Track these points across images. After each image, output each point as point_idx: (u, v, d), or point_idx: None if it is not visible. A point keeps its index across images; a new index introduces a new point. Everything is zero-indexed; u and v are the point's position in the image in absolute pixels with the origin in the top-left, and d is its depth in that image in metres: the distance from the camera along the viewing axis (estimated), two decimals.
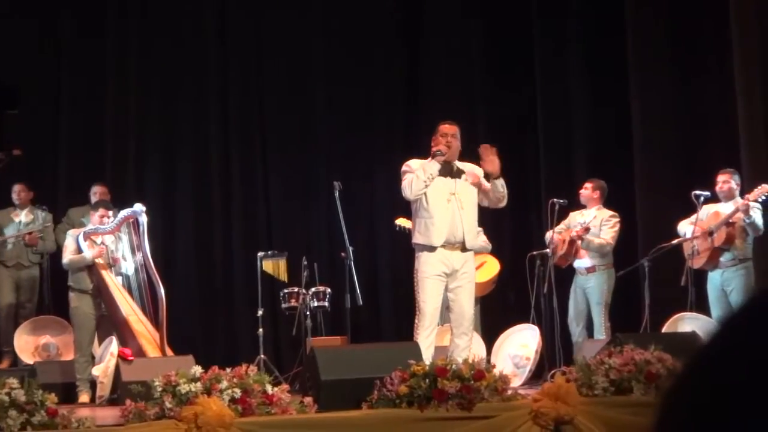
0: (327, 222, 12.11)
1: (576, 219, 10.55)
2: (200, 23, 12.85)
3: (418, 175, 8.09)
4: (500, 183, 8.26)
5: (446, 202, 8.15)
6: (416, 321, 8.14)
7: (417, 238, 8.22)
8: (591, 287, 10.41)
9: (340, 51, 12.95)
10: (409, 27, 13.11)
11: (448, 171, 8.23)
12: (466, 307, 8.18)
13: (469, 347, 8.12)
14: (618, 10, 11.81)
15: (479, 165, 8.32)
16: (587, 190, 10.60)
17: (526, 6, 12.68)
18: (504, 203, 8.52)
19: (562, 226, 10.43)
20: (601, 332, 10.23)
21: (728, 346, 0.99)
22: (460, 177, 8.24)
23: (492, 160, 8.18)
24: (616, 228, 10.43)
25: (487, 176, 8.30)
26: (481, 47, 12.96)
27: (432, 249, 8.12)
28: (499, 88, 12.91)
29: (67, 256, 9.80)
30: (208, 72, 12.77)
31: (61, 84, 12.44)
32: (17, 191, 11.14)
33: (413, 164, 8.28)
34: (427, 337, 8.02)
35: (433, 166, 8.13)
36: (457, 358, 7.26)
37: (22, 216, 11.11)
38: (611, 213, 10.50)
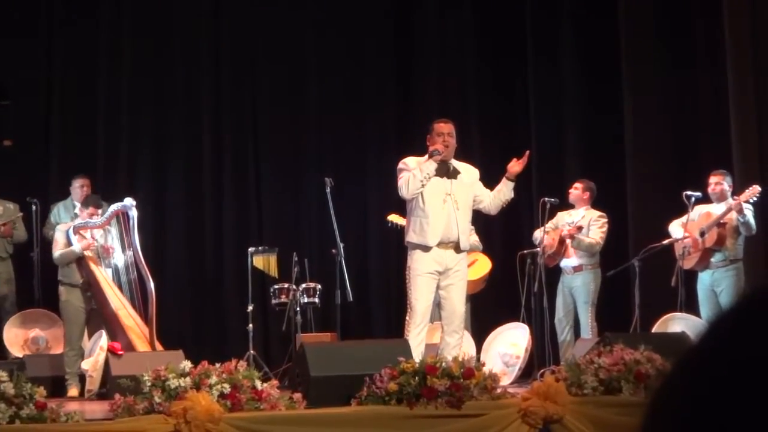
0: (318, 218, 12.09)
1: (564, 219, 10.56)
2: (193, 20, 12.82)
3: (414, 175, 8.06)
4: (512, 186, 8.31)
5: (442, 202, 8.13)
6: (407, 318, 8.14)
7: (412, 237, 8.19)
8: (578, 286, 10.43)
9: (332, 47, 12.94)
10: (401, 24, 13.10)
11: (444, 171, 8.20)
12: (457, 305, 8.18)
13: (459, 345, 8.12)
14: (611, 10, 11.81)
15: (508, 164, 8.32)
16: (577, 191, 10.61)
17: (520, 3, 12.68)
18: (497, 211, 8.58)
19: (550, 225, 10.43)
20: (587, 332, 10.24)
21: (717, 346, 0.99)
22: (456, 177, 8.22)
23: (522, 164, 8.30)
24: (605, 228, 10.45)
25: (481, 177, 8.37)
26: (474, 46, 12.96)
27: (426, 249, 8.10)
28: (492, 86, 12.92)
29: (58, 250, 9.78)
30: (201, 68, 12.74)
31: (52, 77, 12.41)
32: None
33: (410, 162, 8.25)
34: (418, 335, 8.02)
35: (430, 165, 8.10)
36: (448, 356, 7.27)
37: None
38: (600, 213, 10.52)
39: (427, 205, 8.11)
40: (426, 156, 8.21)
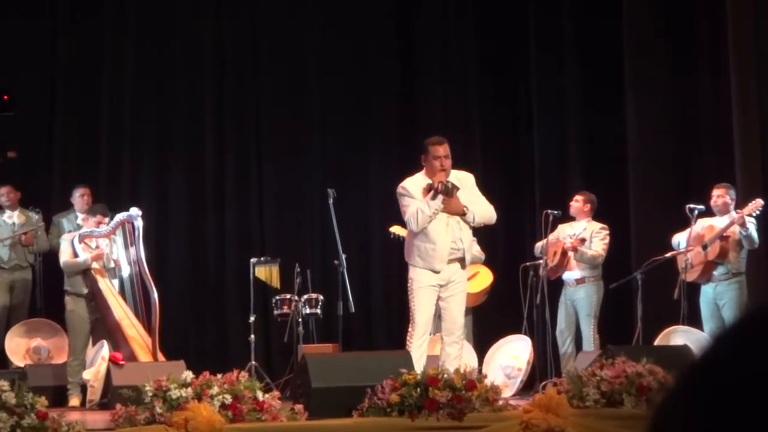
0: (320, 229, 12.09)
1: (565, 231, 10.55)
2: (195, 25, 12.83)
3: (423, 210, 7.94)
4: (470, 218, 8.13)
5: (445, 225, 8.03)
6: (409, 330, 8.11)
7: (417, 262, 8.09)
8: (580, 299, 10.42)
9: (335, 56, 12.94)
10: (404, 33, 13.10)
11: (444, 191, 8.09)
12: (457, 315, 8.15)
13: (460, 356, 8.10)
14: (614, 22, 11.82)
15: (478, 181, 8.23)
16: (578, 203, 10.60)
17: (523, 20, 12.69)
18: (493, 220, 8.46)
19: (550, 237, 10.42)
20: (590, 344, 10.24)
21: (721, 361, 0.99)
22: (454, 195, 8.10)
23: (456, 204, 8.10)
24: (607, 240, 10.46)
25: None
26: (477, 57, 12.96)
27: (434, 272, 8.06)
28: (495, 99, 12.92)
29: (63, 259, 9.79)
30: (204, 82, 12.74)
31: (55, 85, 12.42)
32: (5, 192, 11.08)
33: (409, 187, 8.13)
34: (420, 347, 8.00)
35: (437, 201, 7.97)
36: (449, 367, 7.26)
37: (15, 217, 11.08)
38: (601, 225, 10.51)
39: (431, 231, 8.01)
40: (423, 174, 8.15)
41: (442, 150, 8.13)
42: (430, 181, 8.08)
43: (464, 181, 8.25)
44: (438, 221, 8.03)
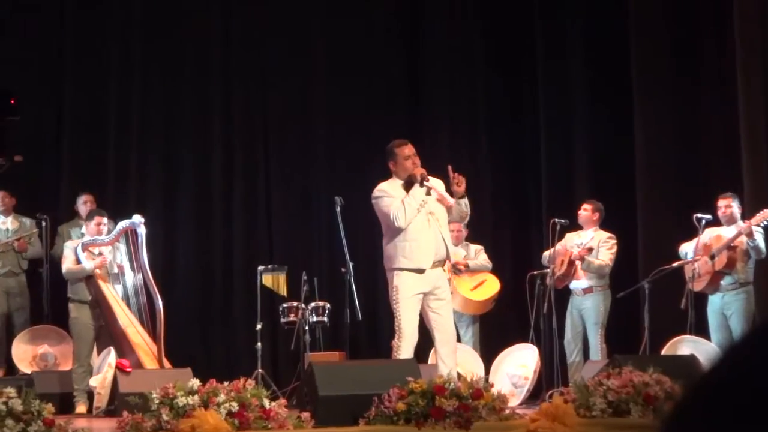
0: (328, 237, 12.09)
1: (573, 240, 10.53)
2: (203, 40, 12.86)
3: (409, 203, 7.91)
4: (464, 202, 8.09)
5: (426, 222, 7.99)
6: (396, 341, 7.94)
7: (402, 263, 7.97)
8: (587, 308, 10.39)
9: (342, 62, 12.95)
10: (410, 37, 13.11)
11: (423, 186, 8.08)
12: (449, 324, 8.06)
13: (455, 365, 8.01)
14: (622, 32, 11.82)
15: (448, 187, 8.15)
16: (586, 212, 10.58)
17: (529, 26, 12.70)
18: (467, 219, 8.41)
19: (558, 246, 10.40)
20: (597, 353, 10.21)
21: (730, 374, 0.98)
22: (430, 194, 8.08)
23: (461, 182, 8.04)
24: (614, 249, 10.43)
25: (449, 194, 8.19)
26: (484, 66, 12.97)
27: (420, 272, 7.98)
28: (502, 106, 12.92)
29: (66, 265, 9.80)
30: (211, 89, 12.76)
31: (63, 94, 12.44)
32: (0, 198, 11.10)
33: (387, 189, 8.12)
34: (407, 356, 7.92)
35: (420, 192, 7.95)
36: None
37: (8, 223, 11.10)
38: (609, 234, 10.49)
39: (413, 228, 7.95)
40: (393, 179, 8.13)
41: (409, 150, 8.16)
42: (405, 182, 8.06)
43: (439, 186, 8.21)
44: (419, 219, 7.96)
